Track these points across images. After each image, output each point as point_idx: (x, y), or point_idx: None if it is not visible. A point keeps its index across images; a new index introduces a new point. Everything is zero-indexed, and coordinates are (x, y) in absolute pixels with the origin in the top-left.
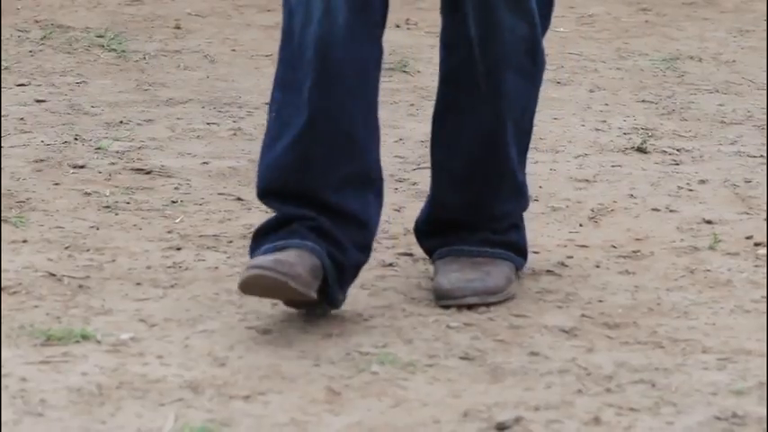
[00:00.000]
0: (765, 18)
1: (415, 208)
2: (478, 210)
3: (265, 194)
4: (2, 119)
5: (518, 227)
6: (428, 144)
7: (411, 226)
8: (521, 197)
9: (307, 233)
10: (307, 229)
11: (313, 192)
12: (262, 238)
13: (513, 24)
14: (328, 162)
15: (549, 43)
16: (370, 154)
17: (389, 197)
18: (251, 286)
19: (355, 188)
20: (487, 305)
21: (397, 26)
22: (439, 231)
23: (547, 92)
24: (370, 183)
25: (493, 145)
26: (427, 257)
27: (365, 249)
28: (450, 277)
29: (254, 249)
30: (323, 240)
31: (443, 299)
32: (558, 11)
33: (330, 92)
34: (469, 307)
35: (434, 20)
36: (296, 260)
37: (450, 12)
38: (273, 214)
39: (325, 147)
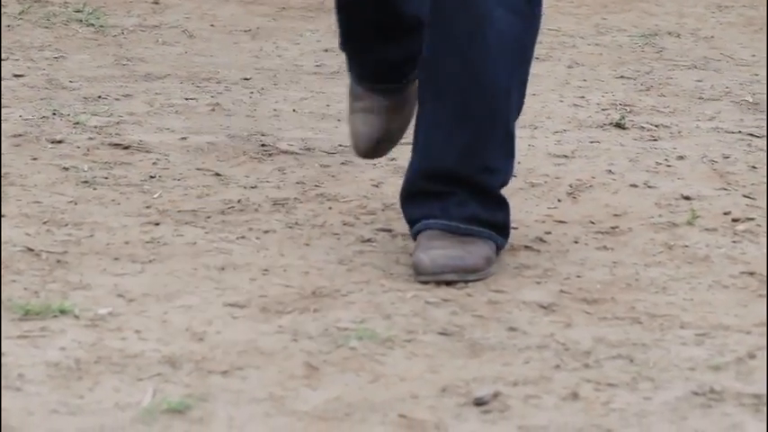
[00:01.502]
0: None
1: (393, 183)
2: (472, 158)
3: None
4: None
5: (505, 204)
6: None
7: (389, 201)
8: (510, 156)
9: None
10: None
11: None
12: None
13: None
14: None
15: None
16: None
17: (368, 173)
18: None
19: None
20: (465, 282)
21: None
22: (427, 197)
23: None
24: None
25: (485, 83)
26: (408, 232)
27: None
28: (431, 253)
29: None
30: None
31: (422, 275)
32: None
33: None
34: (448, 283)
35: None
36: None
37: None
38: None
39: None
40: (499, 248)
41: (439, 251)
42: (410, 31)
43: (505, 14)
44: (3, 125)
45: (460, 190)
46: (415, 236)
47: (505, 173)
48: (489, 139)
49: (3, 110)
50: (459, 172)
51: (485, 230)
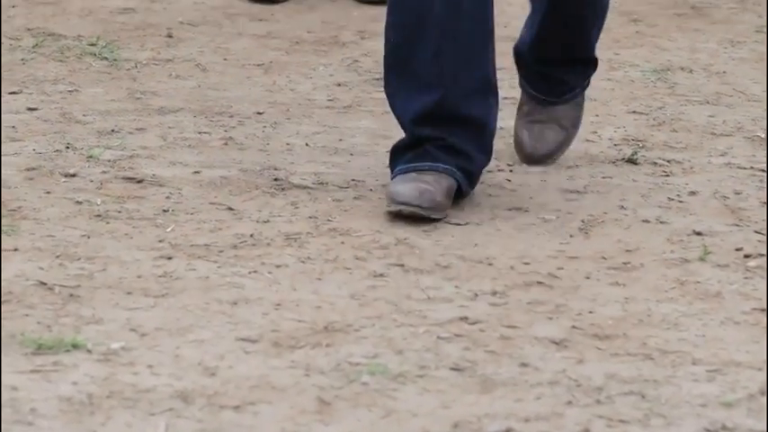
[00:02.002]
0: (765, 28)
1: (406, 219)
2: (573, 47)
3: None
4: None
5: (593, 62)
6: None
7: (402, 236)
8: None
9: (438, 154)
10: (438, 149)
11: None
12: (399, 155)
13: None
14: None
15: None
16: (488, 60)
17: (380, 207)
18: (397, 216)
19: (480, 95)
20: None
21: None
22: (537, 75)
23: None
24: (491, 88)
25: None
26: (421, 267)
27: (488, 152)
28: (532, 137)
29: (393, 164)
30: (453, 157)
31: (527, 156)
32: None
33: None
34: (461, 318)
35: None
36: (434, 187)
37: None
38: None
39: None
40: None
41: (537, 133)
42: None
43: None
44: (17, 159)
45: (560, 67)
46: (525, 104)
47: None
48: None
49: (17, 143)
50: (560, 57)
51: (576, 91)
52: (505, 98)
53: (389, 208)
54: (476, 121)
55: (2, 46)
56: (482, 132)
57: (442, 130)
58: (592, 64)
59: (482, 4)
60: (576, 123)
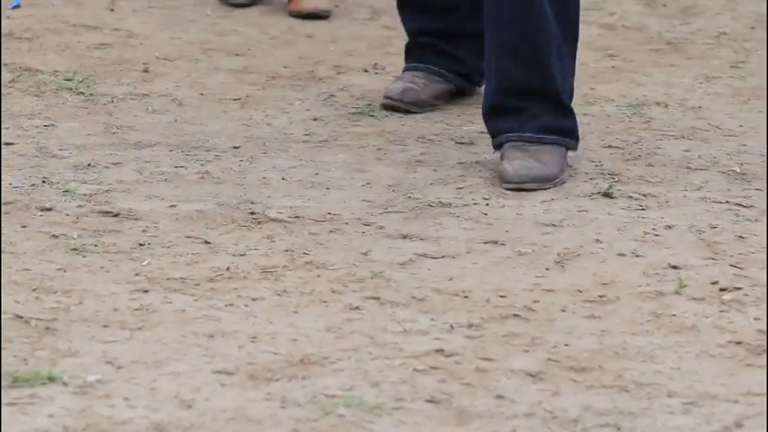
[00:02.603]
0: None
1: (382, 251)
2: (538, 71)
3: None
4: None
5: (571, 111)
6: (395, 188)
7: (378, 269)
8: (569, 71)
9: (433, 58)
10: (435, 54)
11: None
12: (408, 55)
13: None
14: None
15: None
16: None
17: (356, 240)
18: (387, 108)
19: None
20: (543, 189)
21: (365, 71)
22: (505, 110)
23: None
24: None
25: (536, 13)
26: (396, 301)
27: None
28: (514, 164)
29: (406, 57)
30: (446, 61)
31: (507, 182)
32: None
33: None
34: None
35: (401, 64)
36: (420, 87)
37: None
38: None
39: None
40: (570, 149)
41: (519, 162)
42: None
43: None
44: None
45: (533, 103)
46: (496, 147)
47: (568, 84)
48: (548, 55)
49: None
50: (530, 85)
51: (556, 137)
52: (482, 132)
53: (382, 101)
54: (478, 34)
55: None
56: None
57: (440, 40)
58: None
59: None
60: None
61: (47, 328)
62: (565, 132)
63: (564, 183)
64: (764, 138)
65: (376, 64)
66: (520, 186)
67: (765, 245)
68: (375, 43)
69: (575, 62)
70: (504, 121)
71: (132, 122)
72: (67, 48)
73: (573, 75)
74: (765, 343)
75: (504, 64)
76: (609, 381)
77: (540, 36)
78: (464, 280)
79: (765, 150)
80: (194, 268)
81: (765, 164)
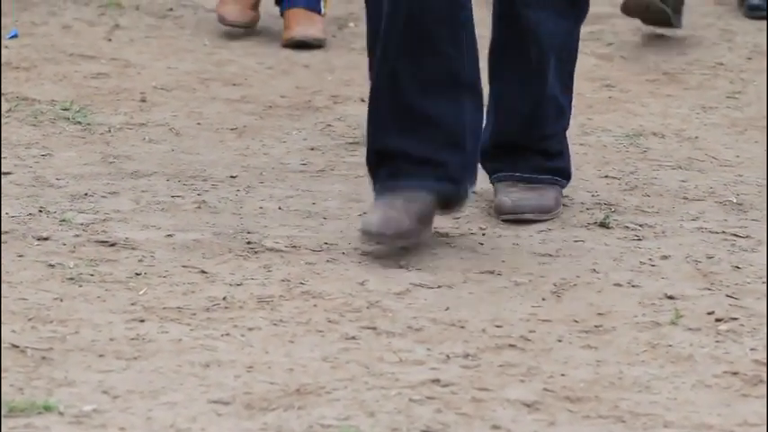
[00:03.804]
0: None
1: (378, 281)
2: (530, 129)
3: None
4: None
5: (563, 153)
6: None
7: (374, 299)
8: (562, 117)
9: (409, 168)
10: (411, 164)
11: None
12: (375, 170)
13: None
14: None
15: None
16: (458, 59)
17: (352, 271)
18: (367, 241)
19: (442, 91)
20: (541, 221)
21: (362, 100)
22: (499, 155)
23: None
24: (460, 86)
25: (538, 78)
26: (392, 331)
27: (464, 149)
28: (511, 196)
29: (372, 182)
30: (424, 168)
31: (505, 213)
32: None
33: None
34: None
35: None
36: (402, 214)
37: None
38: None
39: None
40: (562, 188)
41: (517, 194)
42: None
43: (552, 18)
44: None
45: (525, 150)
46: (493, 184)
47: (561, 129)
48: (545, 114)
49: None
50: (520, 143)
51: (549, 177)
52: None
53: (361, 239)
54: (439, 119)
55: None
56: (452, 131)
57: (405, 140)
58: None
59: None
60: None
61: (43, 357)
62: (557, 172)
63: (560, 216)
64: (761, 168)
65: None
66: (518, 217)
67: (765, 275)
68: None
69: (571, 97)
70: (498, 162)
71: (129, 152)
72: (65, 77)
73: (570, 109)
74: (762, 373)
75: (500, 117)
76: (605, 411)
77: (542, 103)
78: (460, 310)
79: (763, 181)
80: (191, 298)
81: (763, 194)
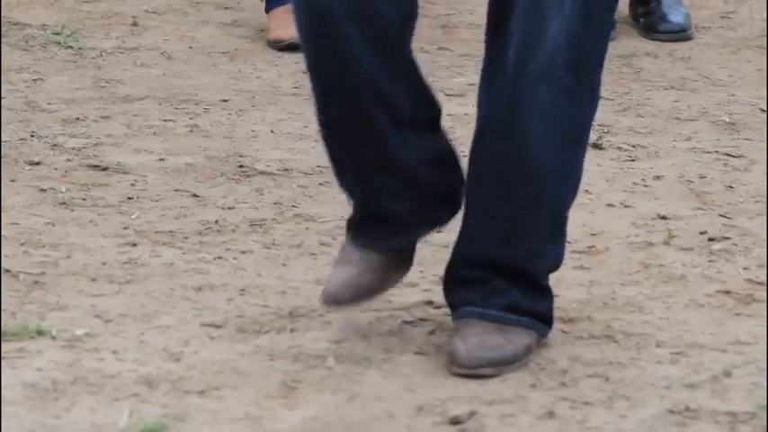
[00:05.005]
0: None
1: None
2: (514, 243)
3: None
4: None
5: (549, 292)
6: None
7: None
8: (559, 240)
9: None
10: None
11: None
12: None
13: (555, 35)
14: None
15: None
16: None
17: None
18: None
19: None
20: (501, 374)
21: None
22: (469, 281)
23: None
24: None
25: (526, 164)
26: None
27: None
28: (468, 342)
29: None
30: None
31: (457, 366)
32: None
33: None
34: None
35: None
36: (369, 279)
37: (493, 36)
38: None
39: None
40: (541, 337)
41: (475, 339)
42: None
43: (549, 91)
44: None
45: (502, 277)
46: (454, 319)
47: (554, 257)
48: (533, 223)
49: None
50: (500, 259)
51: (524, 319)
52: (472, 84)
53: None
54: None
55: None
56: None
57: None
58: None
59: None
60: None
61: (35, 282)
62: (537, 316)
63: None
64: (754, 87)
65: None
66: (472, 372)
67: (758, 195)
68: None
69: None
70: (465, 293)
71: (121, 76)
72: (56, 2)
73: (564, 240)
74: (754, 292)
75: (479, 228)
76: (598, 331)
77: (533, 206)
78: (453, 231)
79: (756, 100)
80: (183, 222)
81: (756, 113)
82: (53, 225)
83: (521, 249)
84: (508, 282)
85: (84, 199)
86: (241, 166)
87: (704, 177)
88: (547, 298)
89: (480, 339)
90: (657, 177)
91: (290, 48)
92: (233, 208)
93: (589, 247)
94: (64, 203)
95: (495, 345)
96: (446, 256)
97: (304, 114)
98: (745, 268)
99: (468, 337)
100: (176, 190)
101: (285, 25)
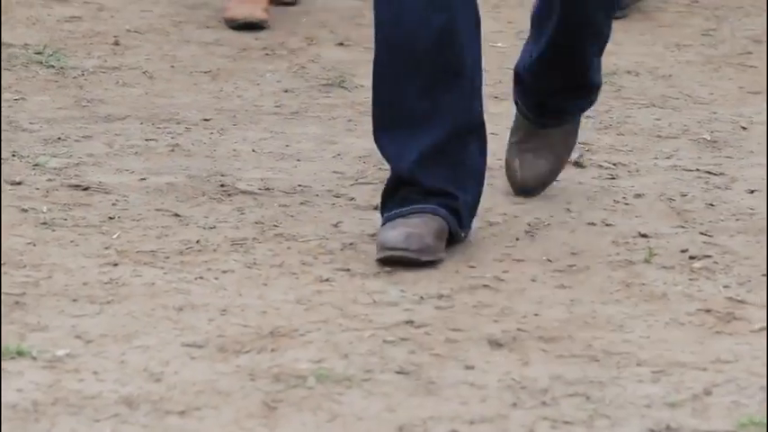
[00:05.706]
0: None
1: (352, 223)
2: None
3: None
4: None
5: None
6: (366, 160)
7: (348, 241)
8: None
9: (420, 197)
10: (419, 194)
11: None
12: (388, 199)
13: None
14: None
15: (488, 59)
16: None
17: (326, 213)
18: (388, 263)
19: (472, 134)
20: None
21: (338, 43)
22: (536, 89)
23: (485, 107)
24: (481, 125)
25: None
26: (366, 272)
27: (471, 191)
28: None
29: (383, 210)
30: (435, 197)
31: (522, 192)
32: (495, 26)
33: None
34: (406, 322)
35: (372, 36)
36: (423, 230)
37: None
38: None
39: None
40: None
41: (531, 155)
42: None
43: None
44: None
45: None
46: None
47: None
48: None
49: None
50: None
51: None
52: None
53: (378, 255)
54: (466, 161)
55: None
56: (468, 171)
57: (436, 176)
58: (594, 90)
59: (472, 37)
60: (569, 148)
61: (16, 302)
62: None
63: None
64: (735, 105)
65: (346, 37)
66: (534, 194)
67: (738, 213)
68: (346, 15)
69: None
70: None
71: (103, 96)
72: (38, 21)
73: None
74: (734, 311)
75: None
76: (578, 350)
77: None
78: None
79: (737, 118)
80: (164, 241)
81: (737, 131)
82: (34, 245)
83: (578, 80)
84: (562, 100)
85: (65, 219)
86: (222, 186)
87: (685, 195)
88: (592, 95)
89: (532, 162)
90: (638, 195)
91: (244, 27)
92: (214, 227)
93: (569, 266)
94: (45, 223)
95: (544, 169)
96: (427, 275)
97: (285, 133)
98: (725, 286)
99: (524, 156)
100: (158, 209)
101: (241, 3)
